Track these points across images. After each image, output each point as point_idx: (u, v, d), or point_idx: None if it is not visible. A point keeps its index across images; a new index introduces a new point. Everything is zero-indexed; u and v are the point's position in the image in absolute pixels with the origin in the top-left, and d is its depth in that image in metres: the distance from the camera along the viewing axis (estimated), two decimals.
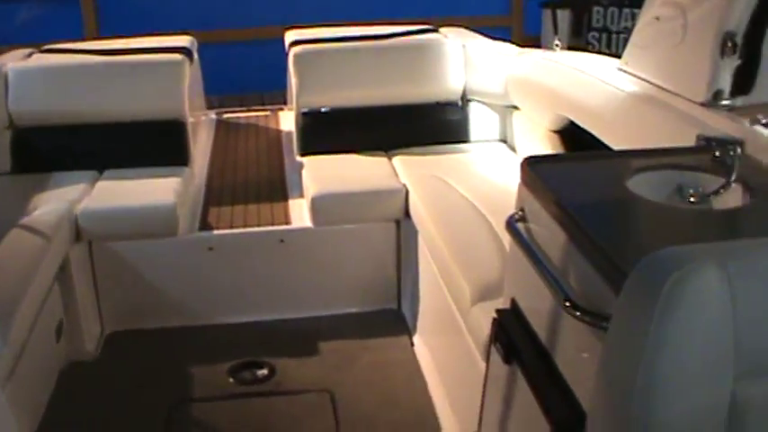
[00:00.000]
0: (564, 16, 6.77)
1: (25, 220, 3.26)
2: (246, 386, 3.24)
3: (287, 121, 4.86)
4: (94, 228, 3.46)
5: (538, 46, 6.31)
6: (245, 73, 6.63)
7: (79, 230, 3.43)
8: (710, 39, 2.45)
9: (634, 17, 5.92)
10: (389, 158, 3.98)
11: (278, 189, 4.04)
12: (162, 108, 3.93)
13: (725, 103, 2.44)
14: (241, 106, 5.44)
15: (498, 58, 4.06)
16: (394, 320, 3.68)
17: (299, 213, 3.76)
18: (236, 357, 3.38)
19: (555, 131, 3.58)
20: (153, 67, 3.97)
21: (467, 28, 4.63)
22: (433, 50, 4.18)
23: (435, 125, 4.19)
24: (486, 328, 2.27)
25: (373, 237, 3.68)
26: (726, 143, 2.09)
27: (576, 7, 6.72)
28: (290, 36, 4.50)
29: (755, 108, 2.34)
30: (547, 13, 6.87)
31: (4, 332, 2.54)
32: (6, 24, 6.54)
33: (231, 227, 3.68)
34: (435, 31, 4.50)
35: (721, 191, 1.96)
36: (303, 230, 3.65)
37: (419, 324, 3.53)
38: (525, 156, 2.20)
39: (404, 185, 3.62)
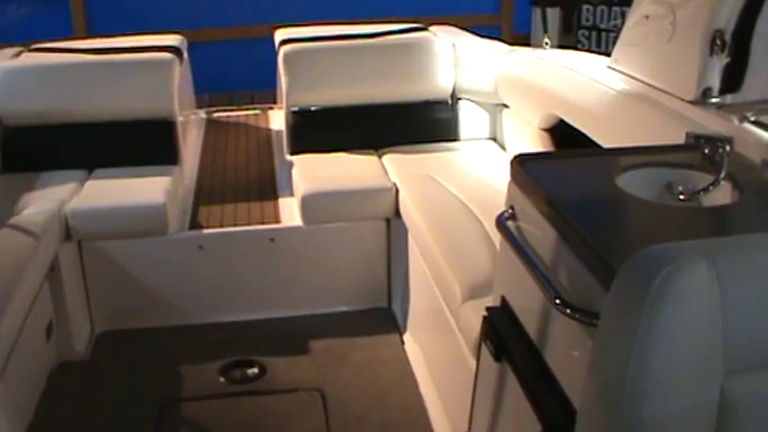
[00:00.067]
0: (553, 14, 6.78)
1: (14, 220, 3.25)
2: (237, 385, 3.23)
3: (277, 119, 4.86)
4: (84, 227, 3.44)
5: (527, 44, 6.33)
6: (234, 72, 6.63)
7: (69, 230, 3.42)
8: (699, 37, 2.46)
9: (623, 15, 5.92)
10: (379, 157, 3.98)
11: (268, 188, 4.04)
12: (152, 107, 3.91)
13: (714, 100, 2.45)
14: (231, 105, 5.44)
15: (488, 56, 4.07)
16: (384, 319, 3.68)
17: (289, 212, 3.75)
18: (227, 356, 3.38)
19: (545, 129, 3.58)
20: (142, 66, 3.95)
21: (456, 26, 4.64)
22: (422, 49, 4.18)
23: (425, 124, 4.19)
24: (476, 326, 2.28)
25: (363, 235, 3.68)
26: (715, 141, 2.09)
27: (565, 5, 6.74)
28: (280, 35, 4.49)
29: (744, 106, 2.36)
30: (536, 12, 6.89)
31: None
32: None
33: (221, 226, 3.68)
34: (425, 29, 4.50)
35: (710, 188, 1.96)
36: (293, 229, 3.64)
37: (409, 322, 3.53)
38: (515, 154, 2.20)
39: (394, 184, 3.62)
